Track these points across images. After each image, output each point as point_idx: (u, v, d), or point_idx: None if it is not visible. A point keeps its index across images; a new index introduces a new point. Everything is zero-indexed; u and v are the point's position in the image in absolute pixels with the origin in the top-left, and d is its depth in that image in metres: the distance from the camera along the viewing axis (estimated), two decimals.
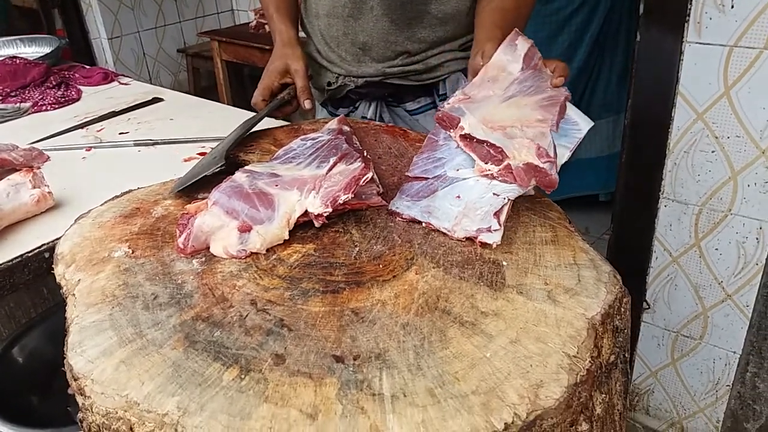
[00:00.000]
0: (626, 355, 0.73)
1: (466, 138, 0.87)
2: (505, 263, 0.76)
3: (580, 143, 0.89)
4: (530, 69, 0.94)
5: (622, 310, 0.71)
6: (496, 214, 0.79)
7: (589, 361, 0.62)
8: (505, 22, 1.13)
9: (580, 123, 0.89)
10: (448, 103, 0.92)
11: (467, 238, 0.80)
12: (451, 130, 0.90)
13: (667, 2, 1.40)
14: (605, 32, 2.63)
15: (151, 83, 2.51)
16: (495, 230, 0.79)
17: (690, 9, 1.37)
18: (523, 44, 0.96)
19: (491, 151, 0.85)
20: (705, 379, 1.74)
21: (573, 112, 0.91)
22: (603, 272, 0.74)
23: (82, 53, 3.20)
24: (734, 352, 1.64)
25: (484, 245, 0.79)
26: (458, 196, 0.85)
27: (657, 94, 1.49)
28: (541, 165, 0.82)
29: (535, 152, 0.82)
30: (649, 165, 1.57)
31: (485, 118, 0.88)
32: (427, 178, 0.90)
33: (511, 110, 0.89)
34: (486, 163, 0.85)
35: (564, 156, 0.86)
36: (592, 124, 0.89)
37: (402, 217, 0.86)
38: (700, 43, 1.39)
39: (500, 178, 0.83)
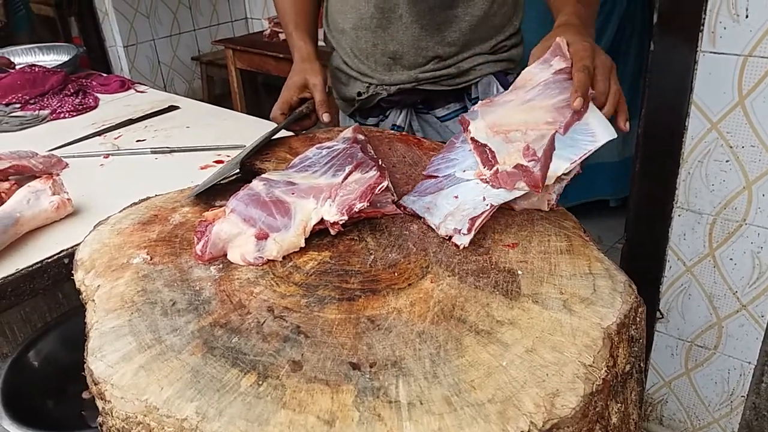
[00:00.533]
0: (641, 364, 0.73)
1: (474, 141, 0.89)
2: (520, 272, 0.76)
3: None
4: (563, 73, 0.89)
5: (638, 319, 0.72)
6: (473, 219, 0.81)
7: (605, 371, 0.62)
8: None
9: (598, 134, 0.82)
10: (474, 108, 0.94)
11: (448, 237, 0.82)
12: (466, 133, 0.91)
13: (681, 11, 1.40)
14: (618, 41, 2.63)
15: (165, 91, 2.54)
16: (464, 234, 0.80)
17: (704, 18, 1.37)
18: (559, 63, 0.91)
19: (489, 156, 0.86)
20: (719, 390, 1.73)
21: (596, 120, 0.84)
22: (618, 282, 0.74)
23: (98, 61, 3.24)
24: (749, 363, 1.62)
25: (456, 246, 0.81)
26: (456, 196, 0.86)
27: (671, 104, 1.49)
28: (525, 163, 0.81)
29: (523, 152, 0.82)
30: (663, 174, 1.57)
31: (495, 123, 0.89)
32: (437, 177, 0.92)
33: (522, 114, 0.88)
34: (484, 167, 0.86)
35: (561, 168, 0.81)
36: (614, 136, 0.81)
37: (406, 211, 0.89)
38: (715, 53, 1.39)
39: (491, 183, 0.85)
